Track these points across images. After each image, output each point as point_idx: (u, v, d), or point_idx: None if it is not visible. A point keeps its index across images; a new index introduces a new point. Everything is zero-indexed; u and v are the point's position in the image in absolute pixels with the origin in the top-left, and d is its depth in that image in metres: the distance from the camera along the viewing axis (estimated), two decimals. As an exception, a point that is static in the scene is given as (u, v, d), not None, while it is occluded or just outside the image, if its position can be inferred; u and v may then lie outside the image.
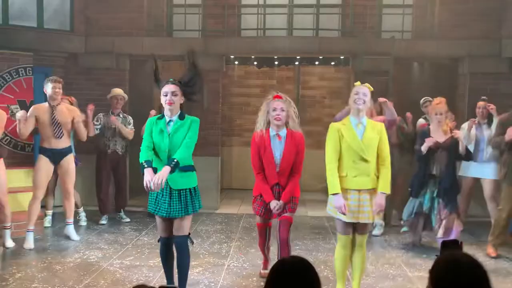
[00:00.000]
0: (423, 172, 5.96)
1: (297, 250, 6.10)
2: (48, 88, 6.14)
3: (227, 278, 5.18)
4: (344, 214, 4.19)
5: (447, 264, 1.89)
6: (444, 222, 5.83)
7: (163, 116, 4.29)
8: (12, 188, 6.61)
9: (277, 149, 4.69)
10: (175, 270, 4.43)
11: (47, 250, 6.04)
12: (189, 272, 4.41)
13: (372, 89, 4.36)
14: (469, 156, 6.12)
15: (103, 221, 7.42)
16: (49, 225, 7.07)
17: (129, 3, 8.43)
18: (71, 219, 6.52)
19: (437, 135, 5.87)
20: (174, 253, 4.42)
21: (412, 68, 9.40)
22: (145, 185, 4.03)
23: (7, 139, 7.63)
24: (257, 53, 8.84)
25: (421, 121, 7.36)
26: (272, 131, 4.72)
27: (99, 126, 7.31)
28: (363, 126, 4.29)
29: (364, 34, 8.45)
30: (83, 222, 7.29)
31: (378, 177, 4.27)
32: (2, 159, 5.99)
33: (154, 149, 4.25)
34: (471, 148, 6.45)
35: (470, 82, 8.09)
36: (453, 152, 5.82)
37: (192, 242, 4.45)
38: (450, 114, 6.27)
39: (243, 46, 8.54)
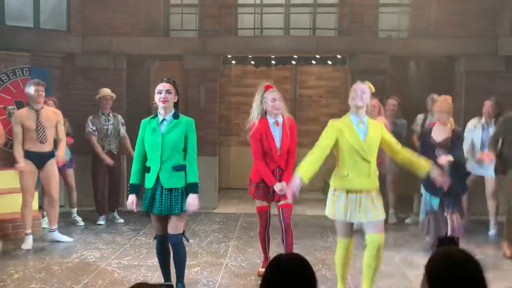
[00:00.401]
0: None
1: (295, 248, 6.06)
2: (31, 91, 5.97)
3: (225, 277, 5.18)
4: None
5: (442, 260, 1.89)
6: (449, 222, 5.80)
7: (156, 115, 4.30)
8: (12, 188, 6.61)
9: (277, 134, 5.03)
10: (174, 270, 4.44)
11: (45, 250, 6.04)
12: (187, 272, 4.43)
13: (373, 89, 4.29)
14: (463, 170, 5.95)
15: (101, 221, 7.39)
16: (47, 226, 7.04)
17: (126, 3, 8.40)
18: (55, 226, 6.34)
19: (441, 134, 5.76)
20: (171, 251, 4.45)
21: (409, 66, 9.41)
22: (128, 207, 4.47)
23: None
24: (254, 53, 8.83)
25: (420, 117, 7.41)
26: (271, 119, 5.03)
27: (94, 130, 7.24)
28: (364, 126, 4.23)
29: (361, 33, 8.46)
30: (81, 223, 7.27)
31: (411, 161, 4.32)
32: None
33: (147, 148, 4.29)
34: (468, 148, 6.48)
35: (467, 81, 8.10)
36: (454, 151, 5.70)
37: (187, 240, 4.49)
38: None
39: (240, 45, 8.53)
